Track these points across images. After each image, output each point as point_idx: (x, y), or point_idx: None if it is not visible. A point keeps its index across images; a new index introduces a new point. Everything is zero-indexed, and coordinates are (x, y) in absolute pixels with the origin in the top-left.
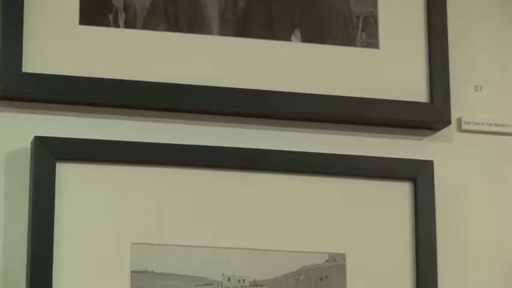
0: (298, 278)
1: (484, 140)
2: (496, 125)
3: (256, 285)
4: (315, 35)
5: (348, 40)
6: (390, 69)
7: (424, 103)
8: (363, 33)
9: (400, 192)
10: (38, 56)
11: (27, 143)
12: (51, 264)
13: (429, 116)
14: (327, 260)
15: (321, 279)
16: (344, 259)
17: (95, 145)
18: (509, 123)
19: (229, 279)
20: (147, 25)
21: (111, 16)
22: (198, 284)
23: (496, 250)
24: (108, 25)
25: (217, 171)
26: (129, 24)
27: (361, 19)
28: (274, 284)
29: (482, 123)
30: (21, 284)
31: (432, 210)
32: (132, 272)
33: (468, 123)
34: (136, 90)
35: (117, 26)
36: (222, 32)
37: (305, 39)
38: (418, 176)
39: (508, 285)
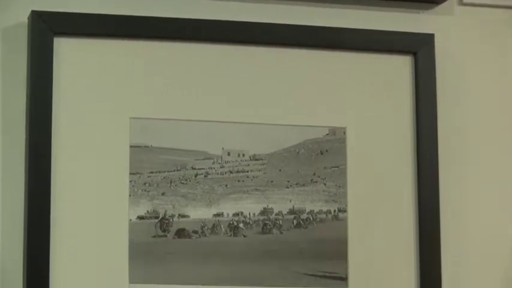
0: (298, 152)
1: (484, 13)
2: None
3: (256, 160)
4: None
5: None
6: None
7: None
8: None
9: (401, 66)
10: None
11: (24, 18)
12: (50, 138)
13: None
14: (327, 134)
15: (321, 153)
16: (344, 133)
17: (93, 19)
18: None
19: (228, 154)
20: None
21: None
22: (198, 158)
23: (496, 121)
24: None
25: (218, 45)
26: None
27: None
28: (274, 158)
29: None
30: (20, 155)
31: (433, 83)
32: (131, 146)
33: None
34: None
35: None
36: None
37: None
38: (419, 49)
39: (508, 162)
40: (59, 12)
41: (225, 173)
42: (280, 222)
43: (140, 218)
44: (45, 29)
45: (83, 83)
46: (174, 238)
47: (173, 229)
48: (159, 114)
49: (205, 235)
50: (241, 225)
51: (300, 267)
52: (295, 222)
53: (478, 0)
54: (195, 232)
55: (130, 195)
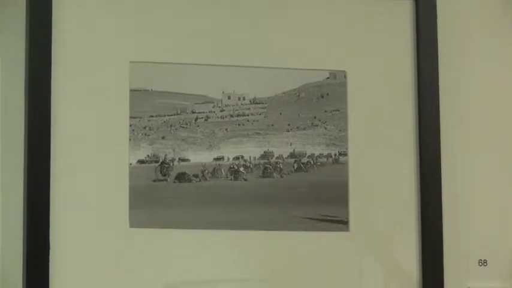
0: (298, 96)
1: None
2: None
3: (256, 103)
4: None
5: None
6: None
7: None
8: None
9: (402, 9)
10: None
11: None
12: (50, 83)
13: None
14: (328, 78)
15: (322, 96)
16: (345, 76)
17: None
18: None
19: (229, 97)
20: None
21: None
22: (198, 102)
23: (497, 62)
24: None
25: None
26: None
27: None
28: (275, 102)
29: None
30: (20, 104)
31: (434, 27)
32: (131, 90)
33: None
34: None
35: None
36: None
37: None
38: None
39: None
40: None
41: (226, 116)
42: (281, 166)
43: (140, 162)
44: None
45: (83, 27)
46: (174, 182)
47: (173, 173)
48: (159, 58)
49: (205, 179)
50: (241, 169)
51: (301, 211)
52: (295, 166)
53: None
54: (196, 176)
55: (130, 140)
